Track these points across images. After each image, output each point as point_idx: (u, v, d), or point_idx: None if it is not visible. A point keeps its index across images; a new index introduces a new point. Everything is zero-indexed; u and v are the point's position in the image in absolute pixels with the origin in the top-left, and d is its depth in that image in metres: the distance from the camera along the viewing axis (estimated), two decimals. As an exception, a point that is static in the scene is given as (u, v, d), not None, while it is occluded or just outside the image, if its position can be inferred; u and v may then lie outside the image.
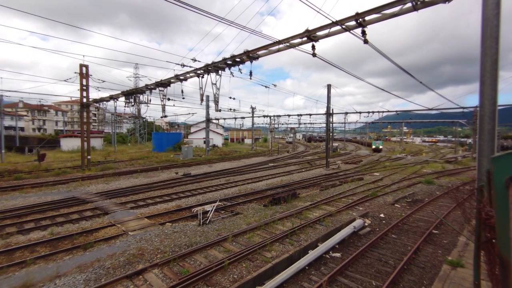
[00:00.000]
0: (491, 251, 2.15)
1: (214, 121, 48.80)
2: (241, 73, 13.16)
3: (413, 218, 11.68)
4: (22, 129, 68.81)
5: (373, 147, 53.89)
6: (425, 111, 32.32)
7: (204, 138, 43.34)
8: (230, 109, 36.62)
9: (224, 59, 12.48)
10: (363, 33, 8.02)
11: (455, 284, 6.04)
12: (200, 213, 10.16)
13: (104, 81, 23.84)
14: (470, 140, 57.45)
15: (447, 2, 6.57)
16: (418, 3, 6.99)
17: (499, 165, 1.28)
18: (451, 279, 6.24)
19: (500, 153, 1.36)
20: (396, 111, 34.19)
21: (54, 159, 29.46)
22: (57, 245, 8.59)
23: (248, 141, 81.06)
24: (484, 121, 4.46)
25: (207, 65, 13.44)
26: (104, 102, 25.27)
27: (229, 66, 12.81)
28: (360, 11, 7.88)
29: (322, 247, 8.01)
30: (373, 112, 33.86)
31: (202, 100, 15.44)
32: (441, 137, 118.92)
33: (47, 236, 9.24)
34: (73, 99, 33.19)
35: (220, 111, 17.46)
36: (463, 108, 30.57)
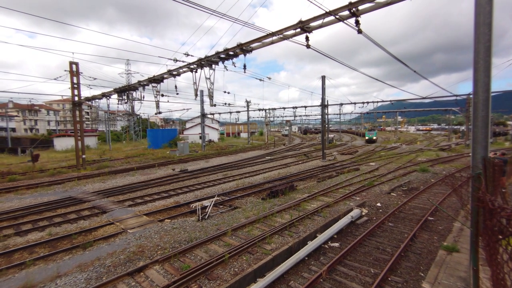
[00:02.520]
0: (493, 238, 2.19)
1: (209, 116, 48.49)
2: (235, 66, 13.04)
3: (409, 206, 11.87)
4: (13, 129, 67.66)
5: (366, 138, 50.56)
6: (419, 100, 32.61)
7: (199, 133, 43.12)
8: (225, 104, 36.37)
9: (217, 53, 12.32)
10: (357, 23, 7.97)
11: (451, 268, 6.19)
12: (198, 209, 10.18)
13: (95, 79, 23.48)
14: (463, 128, 58.15)
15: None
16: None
17: None
18: (447, 264, 6.39)
19: None
20: (390, 100, 34.41)
21: (48, 159, 29.08)
22: (56, 246, 8.56)
23: (244, 135, 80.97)
24: (478, 108, 4.50)
25: (200, 60, 13.27)
26: (97, 100, 24.86)
27: (223, 59, 12.67)
28: (353, 0, 7.80)
29: (321, 238, 8.11)
30: (367, 102, 33.99)
31: (196, 95, 15.29)
32: (435, 125, 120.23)
33: (46, 236, 9.19)
34: (65, 97, 32.63)
35: (215, 105, 17.31)
36: (456, 96, 30.86)
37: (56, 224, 10.43)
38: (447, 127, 70.14)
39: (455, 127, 75.93)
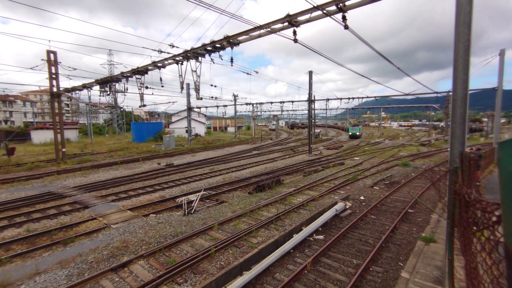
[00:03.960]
0: (468, 229, 2.31)
1: (195, 109, 47.79)
2: (221, 59, 12.86)
3: (391, 199, 12.30)
4: (-14, 121, 63.90)
5: (350, 133, 48.53)
6: (402, 96, 33.49)
7: (186, 127, 42.48)
8: (212, 97, 35.91)
9: (204, 45, 12.09)
10: (344, 18, 8.03)
11: (428, 258, 6.50)
12: (184, 203, 10.09)
13: (75, 69, 22.44)
14: (442, 124, 60.49)
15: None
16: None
17: (507, 151, 1.15)
18: (425, 254, 6.71)
19: (507, 137, 1.25)
20: (375, 97, 35.16)
21: (25, 153, 27.77)
22: (34, 242, 8.24)
23: (231, 129, 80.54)
24: (456, 105, 4.67)
25: (186, 52, 12.98)
26: (77, 92, 23.89)
27: (209, 52, 12.45)
28: (340, -5, 7.83)
29: (306, 231, 8.27)
30: (353, 98, 34.60)
31: (182, 88, 14.99)
32: (417, 121, 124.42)
33: (23, 233, 8.82)
34: (42, 88, 31.11)
35: (201, 99, 17.07)
36: (437, 93, 31.95)
37: (34, 220, 10.02)
38: (427, 123, 72.77)
39: (435, 123, 78.89)
